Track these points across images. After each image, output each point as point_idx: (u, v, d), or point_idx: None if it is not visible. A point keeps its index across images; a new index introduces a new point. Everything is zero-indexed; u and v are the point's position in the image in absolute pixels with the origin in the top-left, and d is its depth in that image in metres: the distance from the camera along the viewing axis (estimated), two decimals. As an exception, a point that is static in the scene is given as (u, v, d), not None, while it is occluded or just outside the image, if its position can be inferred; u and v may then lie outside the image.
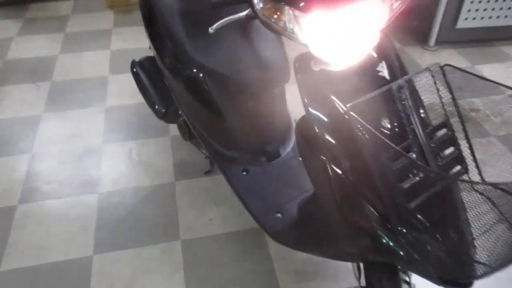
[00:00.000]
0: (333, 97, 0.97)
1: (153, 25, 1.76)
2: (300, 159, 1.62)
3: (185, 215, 1.77)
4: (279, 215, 1.44)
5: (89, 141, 2.12)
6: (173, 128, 2.13)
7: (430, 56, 2.82)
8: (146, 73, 1.90)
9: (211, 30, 1.11)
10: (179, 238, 1.67)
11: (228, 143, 1.58)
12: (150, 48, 1.89)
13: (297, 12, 0.90)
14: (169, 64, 1.70)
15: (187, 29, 1.55)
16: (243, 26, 1.45)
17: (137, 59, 1.96)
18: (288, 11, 0.92)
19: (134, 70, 1.93)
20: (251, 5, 1.01)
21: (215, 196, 1.85)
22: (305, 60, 1.02)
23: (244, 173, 1.55)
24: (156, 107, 1.85)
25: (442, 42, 2.89)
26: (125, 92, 2.44)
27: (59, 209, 1.78)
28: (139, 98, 1.97)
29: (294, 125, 1.70)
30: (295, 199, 1.49)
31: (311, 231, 1.33)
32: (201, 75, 1.55)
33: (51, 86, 2.50)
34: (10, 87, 2.49)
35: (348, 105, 0.90)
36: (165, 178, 1.94)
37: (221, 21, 1.09)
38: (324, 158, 1.01)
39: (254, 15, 1.03)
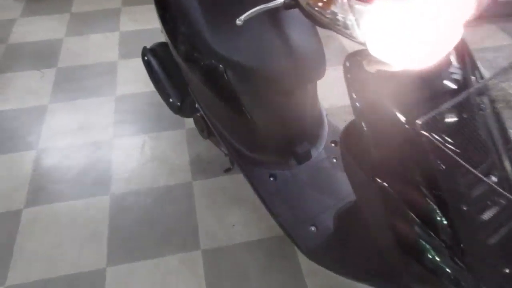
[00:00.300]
0: (394, 109, 0.78)
1: (166, 7, 1.55)
2: (334, 160, 1.45)
3: (205, 220, 1.61)
4: (313, 228, 1.27)
5: (98, 135, 1.96)
6: (189, 120, 1.95)
7: (467, 33, 2.54)
8: (159, 62, 1.71)
9: (239, 21, 0.90)
10: (199, 248, 1.52)
11: (253, 145, 1.40)
12: (162, 32, 1.69)
13: (354, 1, 0.69)
14: (184, 52, 1.50)
15: (205, 13, 1.34)
16: (272, 11, 1.24)
17: (148, 46, 1.76)
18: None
19: (146, 58, 1.73)
20: (289, -10, 0.81)
21: (237, 198, 1.69)
22: (358, 59, 0.82)
23: (271, 178, 1.38)
24: (171, 100, 1.66)
25: (481, 16, 2.60)
26: (136, 79, 2.25)
27: (68, 213, 1.64)
28: (151, 86, 1.79)
29: (326, 120, 1.51)
30: (330, 208, 1.32)
31: (354, 252, 1.16)
32: (222, 67, 1.36)
33: (57, 73, 2.32)
34: (13, 74, 2.31)
35: (419, 122, 0.71)
36: (181, 177, 1.78)
37: (252, 10, 0.88)
38: (379, 180, 0.83)
39: (293, 3, 0.83)
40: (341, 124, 1.87)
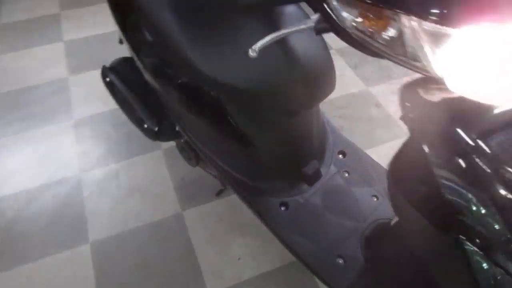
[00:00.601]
0: (476, 152, 0.62)
1: (125, 9, 1.28)
2: (346, 174, 1.30)
3: (206, 256, 1.42)
4: (340, 261, 1.12)
5: (62, 171, 1.68)
6: (165, 140, 1.72)
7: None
8: (124, 82, 1.45)
9: (252, 53, 0.69)
10: (206, 292, 1.34)
11: (257, 173, 1.22)
12: (120, 42, 1.43)
13: (429, 24, 0.51)
14: (156, 69, 1.27)
15: (180, 19, 1.09)
16: (269, 16, 1.03)
17: (108, 65, 1.49)
18: (406, 22, 0.53)
19: (107, 79, 1.47)
20: (322, 9, 0.61)
21: (236, 224, 1.51)
22: (415, 88, 0.66)
23: (282, 208, 1.20)
24: (145, 125, 1.41)
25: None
26: (93, 96, 1.97)
27: (44, 275, 1.39)
28: (112, 103, 1.53)
29: (329, 129, 1.35)
30: (354, 233, 1.17)
31: (394, 281, 1.03)
32: (210, 87, 1.14)
33: (-3, 100, 1.99)
34: None
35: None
36: (168, 209, 1.56)
37: (271, 36, 0.68)
38: (457, 235, 0.68)
39: (328, 27, 0.63)
40: (335, 122, 1.72)
